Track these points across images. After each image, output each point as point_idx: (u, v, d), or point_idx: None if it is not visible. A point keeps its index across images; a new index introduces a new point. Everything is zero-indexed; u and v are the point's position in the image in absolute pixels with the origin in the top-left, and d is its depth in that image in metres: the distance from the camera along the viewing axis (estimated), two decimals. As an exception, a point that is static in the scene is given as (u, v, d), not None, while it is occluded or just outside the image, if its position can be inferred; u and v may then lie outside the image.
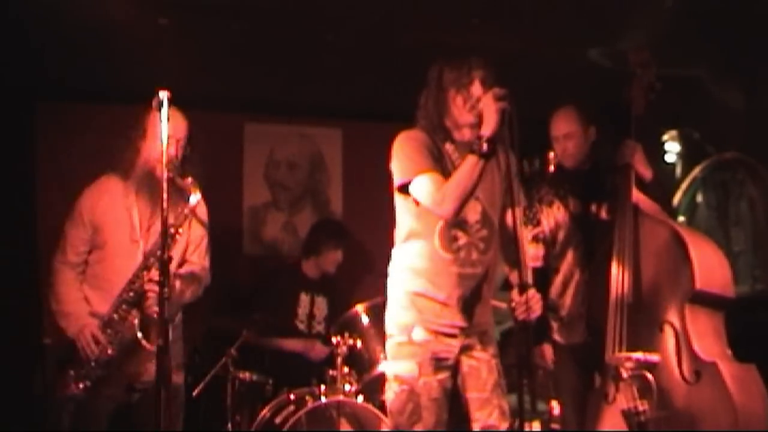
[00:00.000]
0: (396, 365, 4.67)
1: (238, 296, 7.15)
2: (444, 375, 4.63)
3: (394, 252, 4.82)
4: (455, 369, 4.67)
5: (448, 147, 4.71)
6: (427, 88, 4.82)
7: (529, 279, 4.51)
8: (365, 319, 6.31)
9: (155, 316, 4.91)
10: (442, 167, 4.61)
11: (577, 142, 5.52)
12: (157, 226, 5.15)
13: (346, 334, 6.16)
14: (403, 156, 4.68)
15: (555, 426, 6.38)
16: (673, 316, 4.86)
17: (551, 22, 6.13)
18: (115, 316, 5.06)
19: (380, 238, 7.64)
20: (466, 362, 4.69)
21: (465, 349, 4.68)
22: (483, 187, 4.61)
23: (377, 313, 6.27)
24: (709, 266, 4.91)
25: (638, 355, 4.84)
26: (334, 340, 6.13)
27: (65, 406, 5.07)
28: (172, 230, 4.99)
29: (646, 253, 5.00)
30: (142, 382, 5.16)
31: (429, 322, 4.63)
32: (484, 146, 4.40)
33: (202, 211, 5.32)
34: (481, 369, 4.69)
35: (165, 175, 4.38)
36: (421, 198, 4.58)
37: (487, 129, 4.41)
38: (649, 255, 4.99)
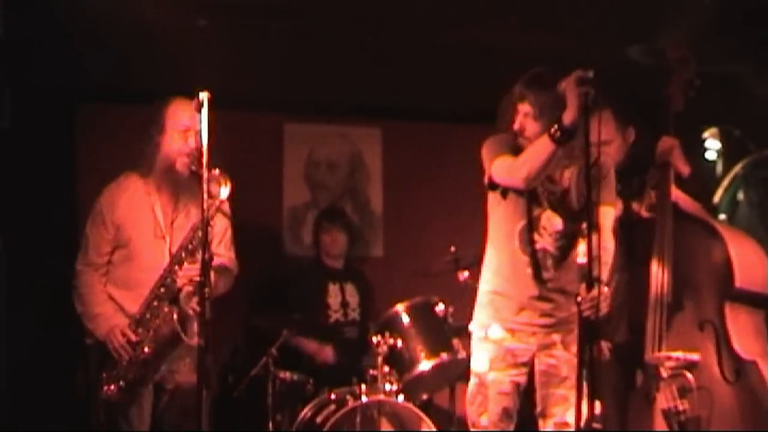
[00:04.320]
0: (473, 359, 4.91)
1: (278, 296, 7.17)
2: (516, 371, 4.80)
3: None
4: (531, 366, 4.82)
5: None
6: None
7: (604, 276, 4.50)
8: (406, 319, 6.29)
9: (192, 312, 4.95)
10: None
11: (618, 146, 5.46)
12: (181, 221, 5.20)
13: (387, 334, 6.15)
14: (486, 152, 4.81)
15: (596, 425, 6.34)
16: (713, 315, 4.84)
17: (589, 19, 6.10)
18: (148, 314, 5.05)
19: (420, 238, 7.72)
20: (544, 360, 4.82)
21: (544, 347, 4.81)
22: (564, 201, 4.75)
23: (418, 313, 6.30)
24: (750, 264, 4.88)
25: (678, 354, 4.83)
26: (374, 339, 6.12)
27: (103, 407, 5.08)
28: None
29: (685, 252, 4.97)
30: (173, 382, 5.17)
31: (505, 320, 4.81)
32: (558, 133, 4.40)
33: (225, 203, 5.20)
34: (560, 367, 4.80)
35: (205, 174, 4.40)
36: (499, 175, 4.71)
37: (568, 116, 4.38)
38: (689, 253, 4.96)
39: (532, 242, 4.76)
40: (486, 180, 4.84)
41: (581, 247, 4.71)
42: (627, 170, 5.48)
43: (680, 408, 4.79)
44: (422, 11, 6.05)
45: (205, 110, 4.34)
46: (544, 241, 4.77)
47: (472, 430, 4.91)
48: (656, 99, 5.19)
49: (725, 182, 7.37)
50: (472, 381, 4.89)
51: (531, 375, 4.86)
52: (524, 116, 4.68)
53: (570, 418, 4.69)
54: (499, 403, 4.78)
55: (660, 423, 4.89)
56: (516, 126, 4.71)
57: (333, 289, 7.14)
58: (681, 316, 4.91)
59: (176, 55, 6.12)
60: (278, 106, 7.61)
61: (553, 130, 4.41)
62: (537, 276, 4.77)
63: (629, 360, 5.36)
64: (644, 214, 5.40)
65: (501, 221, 4.86)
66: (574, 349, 4.73)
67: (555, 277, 4.79)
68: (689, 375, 4.78)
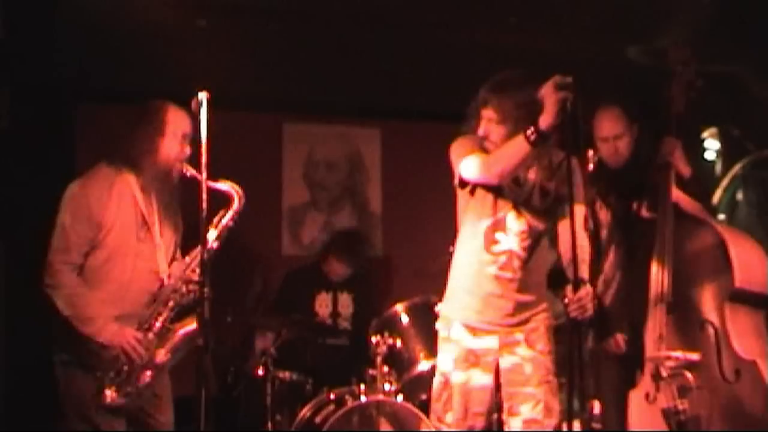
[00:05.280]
0: (438, 357, 4.90)
1: (276, 296, 7.18)
2: (479, 370, 4.77)
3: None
4: (495, 365, 4.78)
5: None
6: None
7: (585, 275, 4.51)
8: (405, 319, 6.29)
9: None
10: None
11: (627, 142, 5.46)
12: (167, 226, 5.16)
13: (386, 334, 6.15)
14: (454, 151, 4.81)
15: (596, 425, 6.35)
16: (712, 315, 4.84)
17: (590, 19, 6.11)
18: (157, 322, 4.98)
19: (419, 238, 7.72)
20: (508, 358, 4.77)
21: (507, 346, 4.77)
22: (529, 201, 4.74)
23: (417, 313, 6.29)
24: (750, 264, 4.89)
25: (678, 353, 4.84)
26: (373, 339, 6.12)
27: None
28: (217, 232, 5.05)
29: (686, 252, 4.98)
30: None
31: (468, 319, 4.79)
32: (533, 136, 4.39)
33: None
34: (524, 365, 4.76)
35: (204, 175, 4.38)
36: (471, 171, 4.70)
37: (545, 121, 4.36)
38: (689, 253, 4.97)
39: (496, 241, 4.77)
40: (456, 179, 4.84)
41: (562, 249, 4.75)
42: (628, 169, 5.49)
43: (680, 407, 4.79)
44: (422, 11, 6.06)
45: (204, 110, 4.33)
46: (510, 242, 4.76)
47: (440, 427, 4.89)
48: (657, 100, 5.20)
49: (724, 182, 7.39)
50: (437, 379, 4.88)
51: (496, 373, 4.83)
52: (488, 121, 4.68)
53: (538, 415, 4.71)
54: (463, 403, 4.78)
55: (659, 422, 4.89)
56: (480, 132, 4.71)
57: (323, 297, 7.13)
58: (681, 316, 4.92)
59: (176, 55, 6.13)
60: (277, 106, 7.61)
61: (529, 132, 4.39)
62: (500, 276, 4.76)
63: (629, 360, 5.38)
64: (644, 214, 5.41)
65: (468, 220, 4.88)
66: (539, 346, 4.77)
67: (519, 278, 4.77)
68: (689, 374, 4.79)
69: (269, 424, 6.20)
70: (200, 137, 4.36)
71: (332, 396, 6.18)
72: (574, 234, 4.37)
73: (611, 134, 5.45)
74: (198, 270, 4.91)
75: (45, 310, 6.12)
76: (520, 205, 4.76)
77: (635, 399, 5.14)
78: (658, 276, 4.98)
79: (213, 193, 4.85)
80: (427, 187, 7.84)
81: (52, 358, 4.97)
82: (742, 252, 4.86)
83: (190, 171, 4.98)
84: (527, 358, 4.76)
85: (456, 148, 4.81)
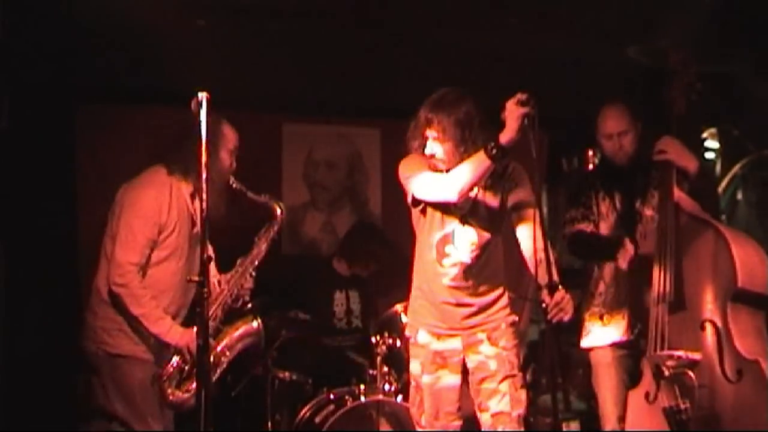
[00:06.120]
0: (410, 363, 5.17)
1: (277, 296, 7.16)
2: (446, 371, 5.04)
3: None
4: (462, 365, 5.04)
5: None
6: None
7: (555, 278, 4.57)
8: (405, 319, 6.29)
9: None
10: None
11: (632, 138, 5.47)
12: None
13: (386, 334, 6.16)
14: (404, 171, 5.04)
15: (595, 425, 6.35)
16: (714, 315, 4.84)
17: (589, 20, 6.10)
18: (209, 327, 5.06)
19: (419, 238, 7.68)
20: (472, 358, 5.01)
21: (471, 346, 5.01)
22: (477, 214, 4.96)
23: (416, 313, 6.28)
24: (751, 265, 4.88)
25: (680, 353, 4.84)
26: (373, 339, 6.13)
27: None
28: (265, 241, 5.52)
29: (687, 251, 4.98)
30: None
31: (430, 325, 5.07)
32: (493, 151, 4.58)
33: None
34: (488, 362, 4.98)
35: (203, 174, 4.37)
36: (424, 190, 4.92)
37: (506, 136, 4.55)
38: (691, 253, 4.97)
39: (446, 254, 4.98)
40: (409, 198, 5.08)
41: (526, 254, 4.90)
42: (631, 168, 5.49)
43: (682, 407, 4.80)
44: (422, 11, 6.05)
45: (204, 110, 4.32)
46: (459, 253, 4.97)
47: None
48: (658, 100, 5.20)
49: (724, 182, 7.39)
50: (412, 383, 5.16)
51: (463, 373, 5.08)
52: (433, 140, 4.88)
53: (505, 407, 4.91)
54: (433, 404, 5.03)
55: (660, 422, 4.89)
56: (428, 151, 4.90)
57: (339, 296, 7.14)
58: (683, 316, 4.92)
59: (176, 55, 6.12)
60: (277, 107, 7.60)
61: (490, 147, 4.58)
62: (453, 285, 4.99)
63: (629, 359, 5.38)
64: (647, 213, 5.40)
65: (422, 234, 5.12)
66: (502, 342, 4.99)
67: (472, 285, 5.00)
68: (691, 374, 4.80)
69: (269, 424, 6.19)
70: (201, 137, 4.36)
71: (332, 396, 6.19)
72: (537, 238, 4.58)
73: (615, 131, 5.45)
74: (229, 275, 5.45)
75: (45, 310, 6.15)
76: (466, 217, 4.97)
77: (635, 399, 5.14)
78: (659, 275, 4.98)
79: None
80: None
81: (85, 354, 5.17)
82: (744, 253, 4.86)
83: (236, 183, 5.36)
84: (491, 355, 4.99)
85: (405, 167, 5.03)
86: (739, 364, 4.74)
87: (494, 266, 5.07)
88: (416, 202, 5.06)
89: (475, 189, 4.91)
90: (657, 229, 5.09)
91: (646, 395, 5.03)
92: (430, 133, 4.87)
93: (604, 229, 5.52)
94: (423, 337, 5.08)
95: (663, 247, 5.01)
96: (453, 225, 4.98)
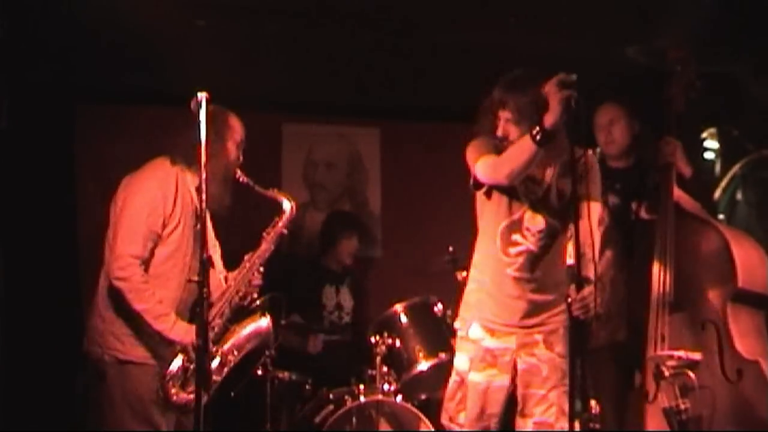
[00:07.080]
0: (456, 357, 4.95)
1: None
2: (496, 371, 4.80)
3: None
4: (513, 366, 4.81)
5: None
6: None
7: (591, 273, 4.47)
8: (404, 319, 6.29)
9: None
10: None
11: (622, 129, 5.47)
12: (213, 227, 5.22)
13: (385, 334, 6.15)
14: (470, 154, 4.78)
15: (594, 425, 6.35)
16: (714, 315, 4.85)
17: (589, 19, 6.10)
18: (215, 325, 5.02)
19: (418, 238, 7.71)
20: (525, 359, 4.80)
21: (525, 347, 4.80)
22: (546, 200, 4.75)
23: (416, 313, 6.30)
24: (752, 265, 4.90)
25: (680, 353, 4.84)
26: (372, 339, 6.12)
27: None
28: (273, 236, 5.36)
29: (687, 252, 4.99)
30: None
31: (485, 319, 4.83)
32: (539, 135, 4.40)
33: None
34: (541, 367, 4.77)
35: (203, 174, 4.34)
36: (483, 173, 4.69)
37: (549, 119, 4.38)
38: (691, 253, 4.98)
39: (513, 243, 4.77)
40: (471, 180, 4.83)
41: (570, 248, 4.73)
42: (629, 170, 5.50)
43: (682, 407, 4.80)
44: (422, 11, 6.05)
45: (203, 110, 4.31)
46: (527, 242, 4.77)
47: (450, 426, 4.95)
48: (657, 100, 5.20)
49: (724, 182, 7.38)
50: (454, 377, 4.93)
51: (513, 374, 4.85)
52: (506, 122, 4.68)
53: (550, 417, 4.74)
54: (477, 403, 4.81)
55: (660, 422, 4.89)
56: (500, 133, 4.71)
57: (329, 291, 7.14)
58: (683, 316, 4.93)
59: (176, 55, 6.11)
60: (277, 107, 7.60)
61: (534, 132, 4.41)
62: (518, 277, 4.78)
63: (628, 359, 5.38)
64: (644, 215, 5.41)
65: (486, 221, 4.89)
66: (558, 348, 4.78)
67: (537, 278, 4.79)
68: (691, 374, 4.79)
69: (269, 424, 6.19)
70: (201, 137, 4.35)
71: (331, 396, 6.18)
72: (576, 231, 4.36)
73: (605, 120, 5.48)
74: (236, 272, 5.25)
75: (45, 310, 6.14)
76: (537, 204, 4.77)
77: (636, 399, 5.14)
78: (659, 275, 4.98)
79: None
80: (426, 187, 7.86)
81: (91, 356, 5.00)
82: (744, 252, 4.87)
83: (243, 177, 5.20)
84: (544, 359, 4.79)
85: (471, 150, 4.79)
86: (739, 364, 4.75)
87: (560, 262, 4.85)
88: (478, 185, 4.82)
89: (549, 175, 4.76)
90: (657, 229, 5.09)
91: (646, 395, 5.02)
92: (504, 114, 4.67)
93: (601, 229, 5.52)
94: (475, 331, 4.84)
95: (663, 247, 5.01)
96: (521, 211, 4.78)
